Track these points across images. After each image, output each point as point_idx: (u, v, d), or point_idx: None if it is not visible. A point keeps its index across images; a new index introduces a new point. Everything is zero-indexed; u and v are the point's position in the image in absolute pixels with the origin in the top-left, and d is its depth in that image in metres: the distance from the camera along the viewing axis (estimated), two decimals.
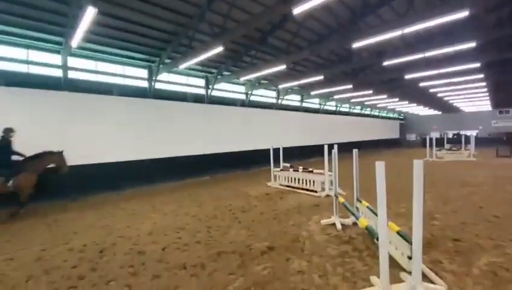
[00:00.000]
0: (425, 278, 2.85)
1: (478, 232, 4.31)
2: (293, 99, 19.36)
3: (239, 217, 5.52)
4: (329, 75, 15.01)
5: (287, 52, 11.10)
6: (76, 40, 6.93)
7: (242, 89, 15.39)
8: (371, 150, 22.99)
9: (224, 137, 12.70)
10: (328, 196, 7.00)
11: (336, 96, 20.03)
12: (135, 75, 10.72)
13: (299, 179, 8.17)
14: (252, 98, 15.77)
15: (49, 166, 6.55)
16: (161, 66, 10.64)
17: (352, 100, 23.27)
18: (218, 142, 12.44)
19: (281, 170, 9.05)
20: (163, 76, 11.51)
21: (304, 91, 17.95)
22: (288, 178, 8.58)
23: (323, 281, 3.01)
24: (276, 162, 9.30)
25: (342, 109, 25.22)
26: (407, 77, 14.10)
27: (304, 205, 6.38)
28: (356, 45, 8.61)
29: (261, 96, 16.66)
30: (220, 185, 9.54)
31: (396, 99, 23.46)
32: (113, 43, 9.10)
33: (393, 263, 3.06)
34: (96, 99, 8.83)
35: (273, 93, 17.69)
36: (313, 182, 7.70)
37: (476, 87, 18.91)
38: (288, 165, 9.18)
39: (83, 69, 9.27)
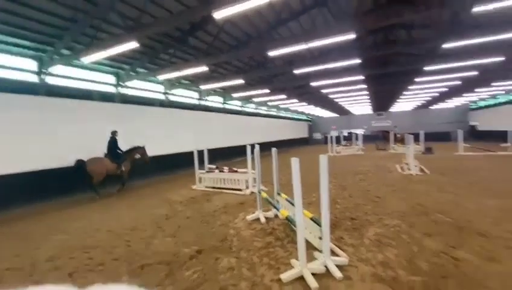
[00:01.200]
0: (333, 253, 3.43)
1: (367, 210, 5.46)
2: (216, 101, 19.43)
3: (162, 226, 5.21)
4: (248, 79, 15.77)
5: (207, 54, 11.09)
6: None
7: (161, 88, 14.43)
8: (285, 148, 25.37)
9: (140, 140, 11.60)
10: (252, 193, 7.40)
11: (255, 99, 21.23)
12: (19, 66, 8.55)
13: (224, 180, 8.31)
14: (173, 98, 15.00)
15: (137, 156, 9.23)
16: (56, 57, 8.87)
17: (269, 103, 25.15)
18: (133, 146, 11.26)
19: (207, 171, 8.99)
20: (60, 69, 9.62)
21: (226, 93, 18.28)
22: (213, 179, 8.60)
23: (252, 273, 3.22)
24: (201, 164, 9.18)
25: (260, 111, 26.88)
26: (313, 84, 16.28)
27: (230, 204, 6.56)
28: (271, 53, 9.39)
29: (182, 96, 16.04)
30: (139, 193, 8.70)
31: (305, 103, 26.71)
32: None
33: (309, 246, 3.55)
34: None
35: (195, 94, 17.31)
36: (238, 181, 7.99)
37: (362, 95, 23.50)
38: (214, 166, 9.20)
39: None
